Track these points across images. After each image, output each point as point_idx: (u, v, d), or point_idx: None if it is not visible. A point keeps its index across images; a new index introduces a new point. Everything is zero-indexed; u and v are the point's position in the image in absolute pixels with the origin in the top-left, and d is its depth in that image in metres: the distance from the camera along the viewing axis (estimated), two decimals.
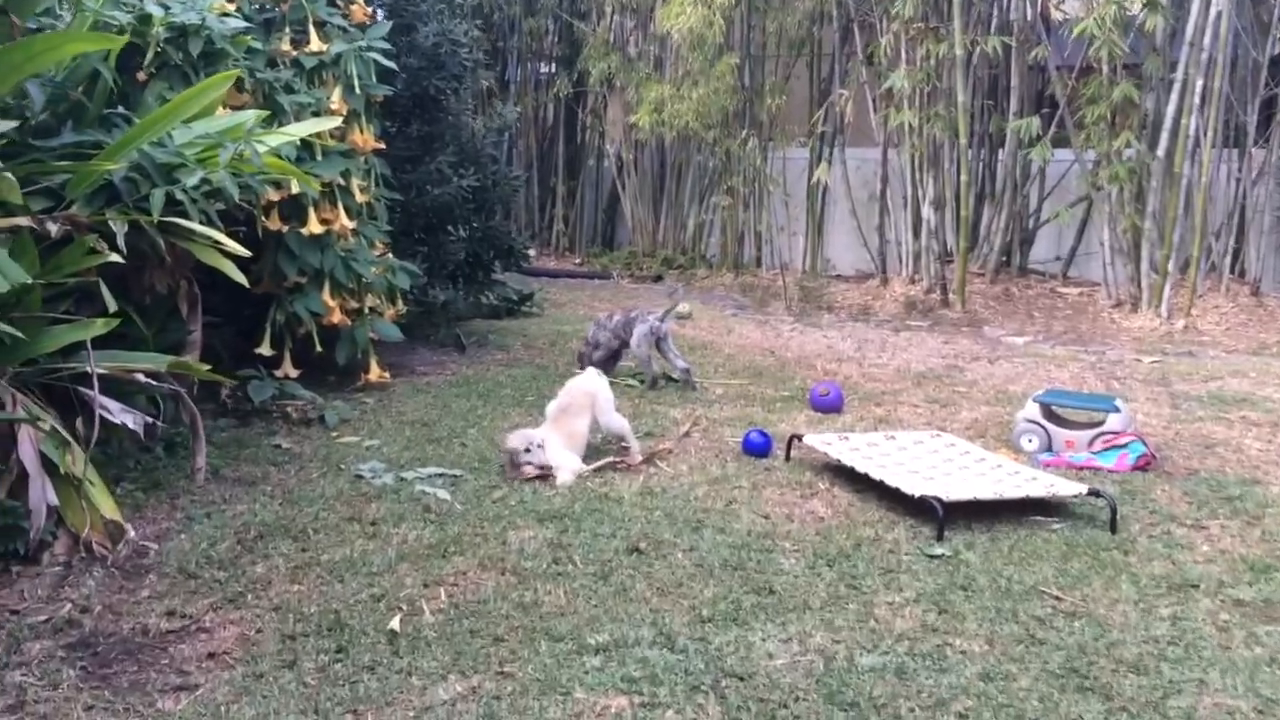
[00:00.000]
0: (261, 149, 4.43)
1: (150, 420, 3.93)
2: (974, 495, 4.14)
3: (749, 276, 11.88)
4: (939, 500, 4.01)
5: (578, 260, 13.26)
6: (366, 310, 6.17)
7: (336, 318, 5.87)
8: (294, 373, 5.82)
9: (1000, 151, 10.48)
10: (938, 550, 3.83)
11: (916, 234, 10.45)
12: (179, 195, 4.13)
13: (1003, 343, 8.64)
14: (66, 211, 3.95)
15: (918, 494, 4.09)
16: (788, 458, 4.98)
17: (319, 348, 5.85)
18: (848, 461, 4.56)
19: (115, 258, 3.76)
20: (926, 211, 10.06)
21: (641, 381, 6.53)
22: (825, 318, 9.74)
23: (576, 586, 3.46)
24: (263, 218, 5.42)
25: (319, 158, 5.73)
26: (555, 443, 4.66)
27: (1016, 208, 10.47)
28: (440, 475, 4.56)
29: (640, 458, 4.85)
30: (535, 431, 4.70)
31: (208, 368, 4.36)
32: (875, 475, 4.35)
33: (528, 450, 4.59)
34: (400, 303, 6.61)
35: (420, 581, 3.46)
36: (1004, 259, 10.64)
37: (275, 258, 5.64)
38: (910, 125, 9.86)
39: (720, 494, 4.45)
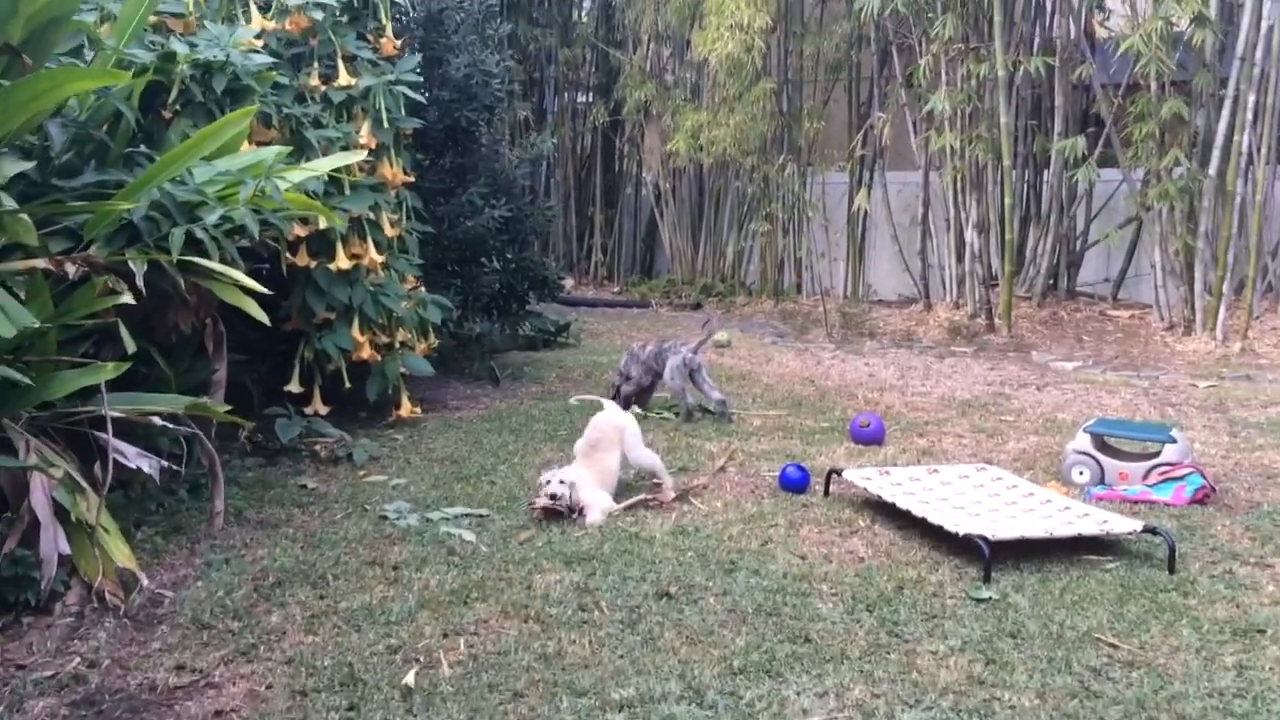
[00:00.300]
0: (284, 185, 4.37)
1: (165, 464, 3.84)
2: (1022, 534, 3.94)
3: (789, 303, 11.72)
4: (985, 539, 3.82)
5: (616, 289, 13.17)
6: (397, 345, 6.09)
7: (366, 353, 5.79)
8: (324, 410, 5.74)
9: (1045, 172, 10.25)
10: (984, 593, 3.63)
11: (960, 258, 10.24)
12: (199, 233, 4.06)
13: (1051, 368, 8.40)
14: (84, 253, 3.89)
15: (962, 532, 3.90)
16: (826, 493, 4.80)
17: (348, 384, 5.76)
18: (888, 497, 4.37)
19: (128, 298, 3.68)
20: (970, 235, 9.84)
21: (676, 414, 6.38)
22: (867, 344, 9.54)
23: (602, 635, 3.30)
24: (289, 254, 5.36)
25: (347, 192, 5.66)
26: (587, 481, 4.52)
27: (1063, 230, 10.22)
28: (467, 515, 4.44)
29: (673, 494, 4.70)
30: (566, 471, 4.56)
31: (227, 408, 4.27)
32: (918, 512, 4.16)
33: (548, 483, 4.47)
34: (432, 336, 6.52)
35: (440, 631, 3.32)
36: (1051, 282, 10.40)
37: (303, 294, 5.57)
38: (952, 147, 9.67)
39: (755, 533, 4.29)
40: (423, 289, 6.68)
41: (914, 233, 10.94)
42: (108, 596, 3.38)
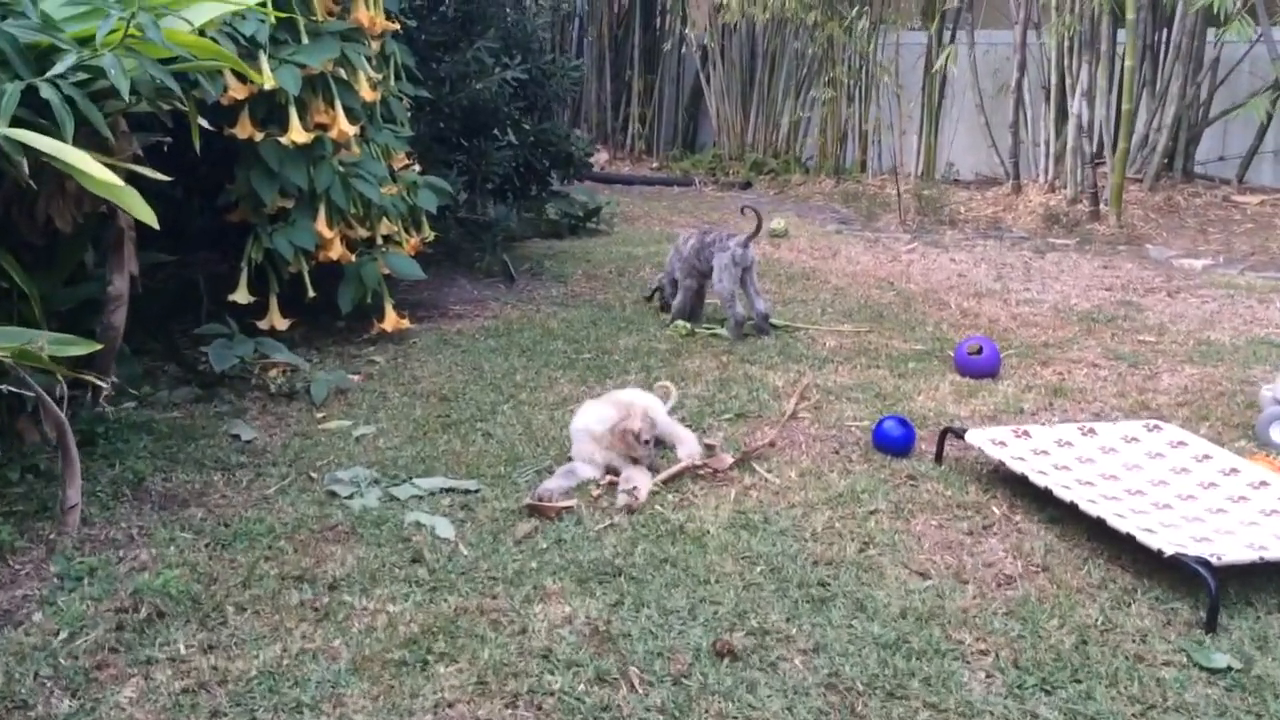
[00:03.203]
0: (184, 26, 3.04)
1: None
2: (1260, 554, 2.66)
3: (852, 183, 10.24)
4: (1206, 565, 2.55)
5: (655, 165, 11.70)
6: (379, 241, 4.81)
7: (335, 252, 4.52)
8: (283, 324, 4.51)
9: (1167, 31, 8.60)
10: (1216, 658, 2.38)
11: (1059, 132, 8.70)
12: (45, 91, 2.75)
13: (1175, 267, 6.98)
14: None
15: (1169, 551, 2.62)
16: (939, 459, 3.53)
17: (311, 292, 4.50)
18: (1039, 481, 3.09)
19: None
20: (1077, 104, 8.27)
21: (719, 329, 5.06)
22: (948, 234, 8.12)
23: None
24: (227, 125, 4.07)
25: (304, 40, 4.30)
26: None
27: (1186, 101, 8.62)
28: (447, 492, 3.21)
29: (730, 459, 3.45)
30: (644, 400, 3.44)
31: (87, 349, 2.99)
32: (1090, 511, 2.88)
33: (645, 442, 3.31)
34: (426, 228, 5.22)
35: None
36: (1166, 162, 8.85)
37: (248, 176, 4.28)
38: None
39: (848, 526, 3.04)
40: (416, 168, 5.36)
41: (1002, 102, 9.37)
42: None
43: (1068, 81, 8.47)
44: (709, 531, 2.98)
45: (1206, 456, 3.31)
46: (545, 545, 2.88)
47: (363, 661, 2.31)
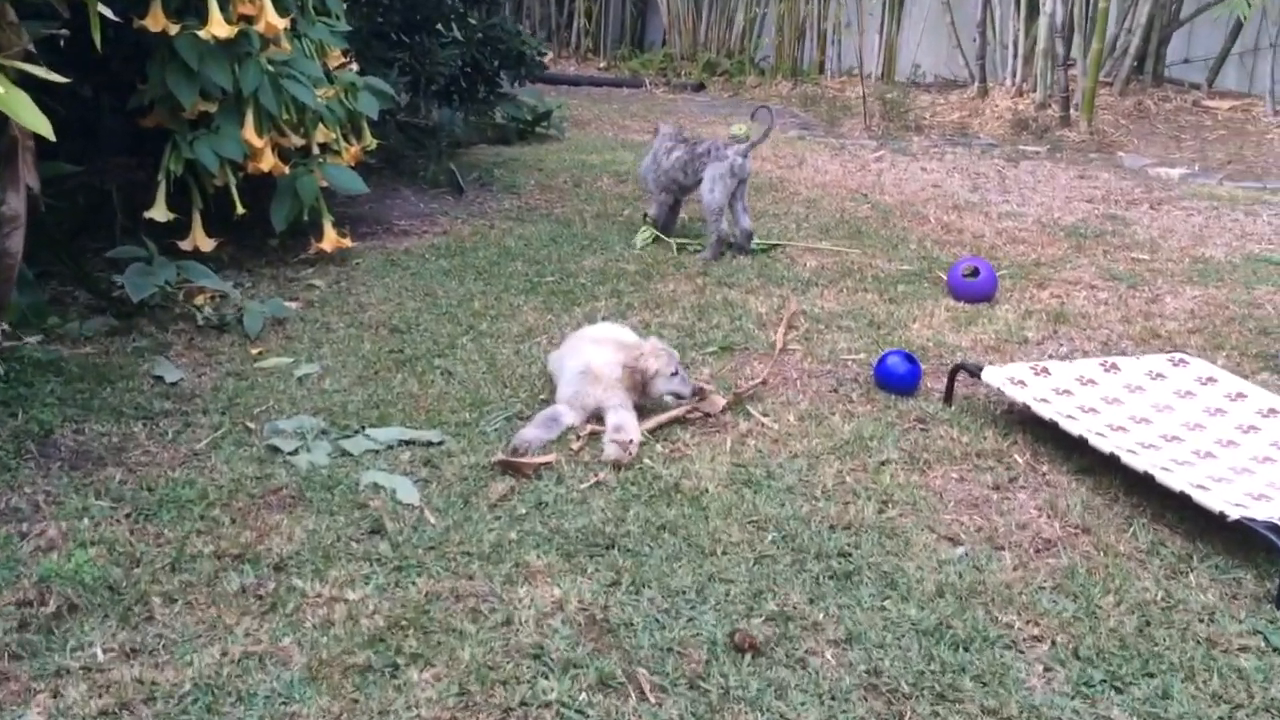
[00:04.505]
0: None
1: None
2: None
3: (810, 85, 9.81)
4: (1276, 529, 2.27)
5: (603, 65, 11.12)
6: (315, 150, 4.31)
7: (267, 164, 4.02)
8: (208, 245, 4.02)
9: None
10: None
11: (1029, 32, 8.32)
12: None
13: (1153, 176, 6.70)
14: None
15: (1233, 515, 2.34)
16: (948, 399, 3.22)
17: (240, 209, 4.02)
18: (1071, 428, 2.78)
19: None
20: (1051, 1, 7.87)
21: (698, 247, 4.69)
22: (915, 141, 7.75)
23: None
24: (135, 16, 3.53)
25: None
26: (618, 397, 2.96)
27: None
28: (406, 445, 2.82)
29: (723, 401, 3.10)
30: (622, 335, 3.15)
31: None
32: (1139, 467, 2.58)
33: (674, 374, 2.98)
34: (368, 136, 4.72)
35: None
36: (1135, 64, 8.53)
37: (163, 75, 3.75)
38: None
39: (861, 481, 2.72)
40: (354, 67, 4.83)
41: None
42: None
43: None
44: (708, 490, 2.63)
45: (1241, 395, 3.03)
46: (524, 510, 2.52)
47: (319, 667, 1.95)
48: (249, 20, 3.91)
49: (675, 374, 2.99)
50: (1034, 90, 8.25)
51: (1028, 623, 2.14)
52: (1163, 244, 5.09)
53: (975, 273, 4.16)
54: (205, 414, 2.98)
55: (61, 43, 2.93)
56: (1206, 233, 5.33)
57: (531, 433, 2.82)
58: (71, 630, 2.04)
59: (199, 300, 3.77)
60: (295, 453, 2.74)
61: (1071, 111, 7.89)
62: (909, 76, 9.37)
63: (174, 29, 3.68)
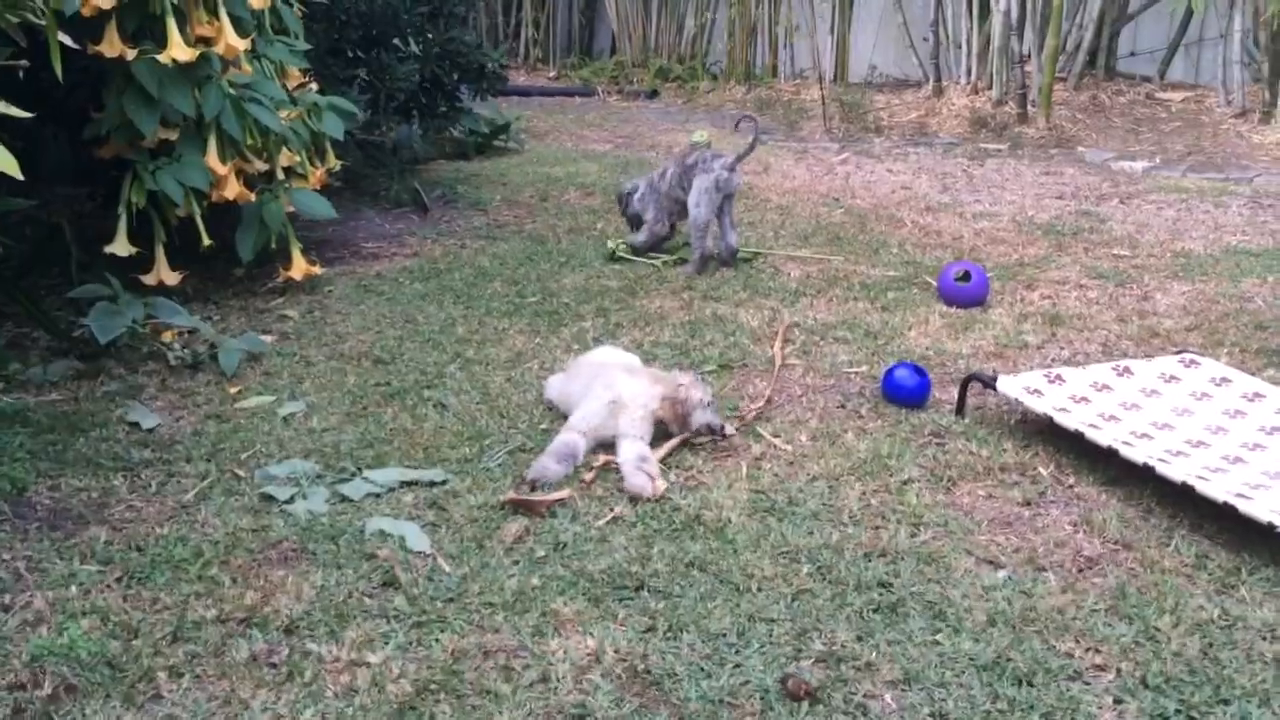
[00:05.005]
0: None
1: None
2: None
3: (765, 89, 9.74)
4: None
5: (553, 74, 10.97)
6: (280, 175, 4.14)
7: (232, 191, 3.84)
8: (173, 279, 3.83)
9: None
10: None
11: (981, 29, 8.32)
12: None
13: (1116, 170, 6.72)
14: None
15: (1268, 520, 2.27)
16: (960, 410, 3.13)
17: (206, 240, 3.83)
18: (1098, 439, 2.71)
19: None
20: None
21: (679, 260, 4.57)
22: (876, 143, 7.71)
23: None
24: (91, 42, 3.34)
25: None
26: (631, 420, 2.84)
27: None
28: (408, 486, 2.67)
29: (732, 429, 2.98)
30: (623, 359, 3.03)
31: None
32: (1177, 479, 2.50)
33: (708, 404, 2.90)
34: (331, 157, 4.55)
35: None
36: (1088, 59, 8.57)
37: (120, 102, 3.56)
38: None
39: (887, 504, 2.62)
40: (314, 87, 4.66)
41: None
42: None
43: None
44: (731, 520, 2.51)
45: (1258, 395, 2.98)
46: (543, 552, 2.38)
47: None
48: (207, 42, 3.73)
49: (710, 404, 2.88)
50: (989, 88, 8.25)
51: (1088, 650, 2.05)
52: (1141, 239, 5.07)
53: (967, 276, 4.09)
54: (189, 461, 2.80)
55: (21, 74, 2.75)
56: (1181, 226, 5.33)
57: (551, 466, 2.68)
58: (72, 714, 1.87)
59: (167, 337, 3.57)
60: (291, 500, 2.58)
61: (1029, 108, 7.90)
62: (865, 78, 9.33)
63: (130, 54, 3.49)
